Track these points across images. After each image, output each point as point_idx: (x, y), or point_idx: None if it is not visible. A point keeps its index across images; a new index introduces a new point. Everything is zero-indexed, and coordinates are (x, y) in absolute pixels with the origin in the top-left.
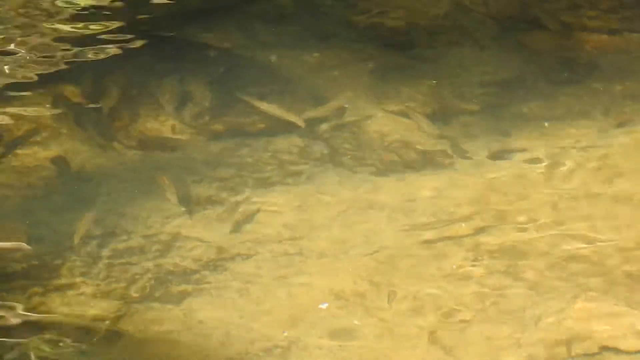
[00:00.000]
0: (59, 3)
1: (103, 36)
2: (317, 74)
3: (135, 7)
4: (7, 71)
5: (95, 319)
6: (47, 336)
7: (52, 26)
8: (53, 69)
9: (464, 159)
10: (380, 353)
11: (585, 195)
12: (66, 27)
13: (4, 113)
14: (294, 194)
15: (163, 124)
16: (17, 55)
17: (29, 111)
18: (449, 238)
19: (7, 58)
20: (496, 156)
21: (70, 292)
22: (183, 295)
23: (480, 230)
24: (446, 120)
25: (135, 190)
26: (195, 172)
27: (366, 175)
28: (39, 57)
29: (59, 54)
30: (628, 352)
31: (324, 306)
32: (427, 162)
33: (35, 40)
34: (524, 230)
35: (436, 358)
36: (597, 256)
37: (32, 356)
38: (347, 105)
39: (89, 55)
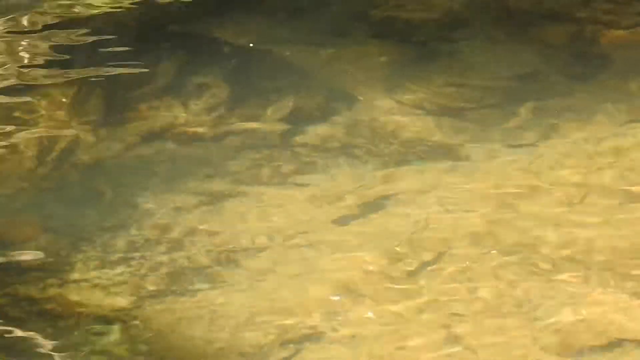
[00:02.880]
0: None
1: (118, 30)
2: (331, 68)
3: (150, 3)
4: (25, 61)
5: (110, 311)
6: (62, 328)
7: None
8: (65, 61)
9: (478, 152)
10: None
11: (599, 190)
12: (83, 20)
13: (17, 105)
14: (308, 187)
15: (177, 117)
16: (33, 46)
17: (42, 103)
18: (464, 231)
19: (24, 49)
20: (510, 150)
21: (85, 285)
22: (196, 288)
23: (493, 223)
24: (461, 114)
25: (148, 182)
26: (209, 165)
27: (381, 168)
28: (53, 48)
29: (73, 46)
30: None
31: (336, 299)
32: (441, 155)
33: (51, 30)
34: (537, 223)
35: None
36: (612, 252)
37: (48, 347)
38: (361, 98)
39: (103, 48)
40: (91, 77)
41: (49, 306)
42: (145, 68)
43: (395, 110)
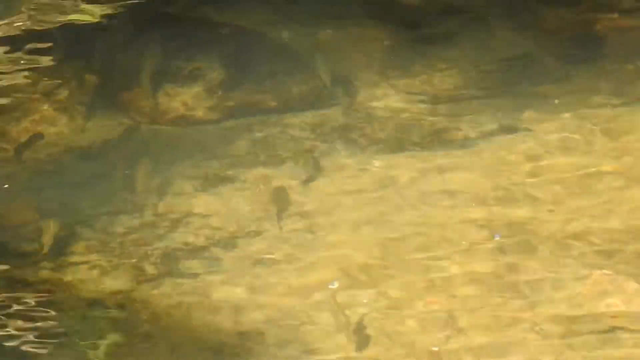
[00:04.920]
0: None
1: (118, 14)
2: (329, 52)
3: None
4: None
5: (107, 294)
6: (59, 311)
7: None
8: (64, 47)
9: (475, 136)
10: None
11: (596, 172)
12: (82, 6)
13: (16, 88)
14: (305, 171)
15: (175, 100)
16: (32, 31)
17: (40, 87)
18: (461, 214)
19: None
20: (508, 134)
21: (82, 268)
22: (195, 272)
23: (492, 207)
24: (457, 98)
25: (145, 166)
26: (206, 149)
27: (378, 153)
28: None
29: (73, 31)
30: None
31: (333, 285)
32: (439, 139)
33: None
34: (534, 206)
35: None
36: (607, 233)
37: (44, 330)
38: (358, 82)
39: (102, 33)
40: (87, 61)
41: (45, 289)
42: (141, 52)
43: (392, 94)
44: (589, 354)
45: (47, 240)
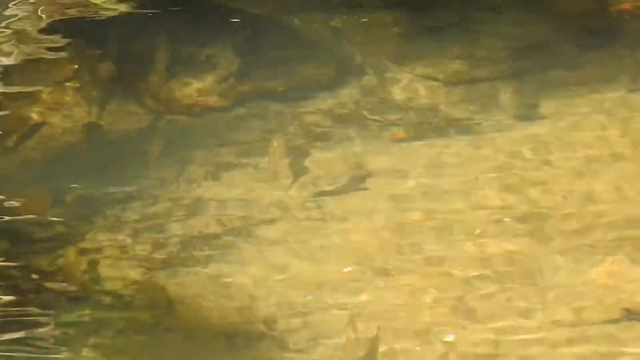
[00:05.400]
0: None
1: (131, 2)
2: (342, 39)
3: None
4: (37, 35)
5: (121, 282)
6: (73, 299)
7: None
8: (79, 35)
9: (489, 123)
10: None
11: (610, 159)
12: None
13: (31, 76)
14: (318, 158)
15: (189, 88)
16: (47, 20)
17: (56, 76)
18: (475, 200)
19: (38, 23)
20: (522, 121)
21: (96, 257)
22: (208, 259)
23: (506, 195)
24: (471, 85)
25: (160, 153)
26: (219, 136)
27: (392, 139)
28: (66, 23)
29: (86, 20)
30: None
31: (347, 270)
32: (453, 126)
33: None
34: (548, 194)
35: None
36: (621, 220)
37: (59, 318)
38: (371, 69)
39: (117, 22)
40: (100, 49)
41: (60, 278)
42: (154, 40)
43: (406, 81)
44: (602, 341)
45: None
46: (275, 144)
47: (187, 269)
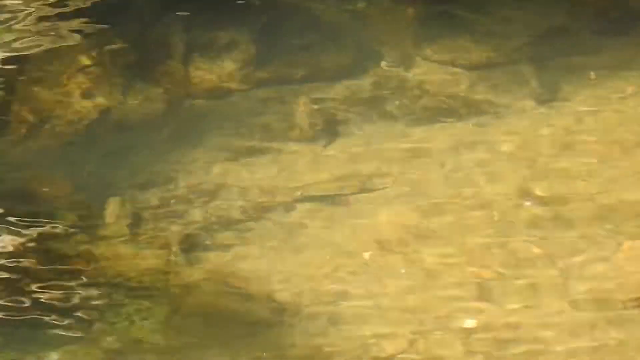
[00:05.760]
0: None
1: None
2: (361, 24)
3: None
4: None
5: (140, 267)
6: (92, 285)
7: None
8: (99, 20)
9: (508, 109)
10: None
11: (631, 144)
12: None
13: (51, 62)
14: (338, 143)
15: (208, 73)
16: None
17: (76, 61)
18: (495, 185)
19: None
20: (541, 106)
21: (116, 242)
22: (229, 244)
23: (526, 179)
24: (489, 70)
25: (178, 139)
26: (239, 121)
27: (411, 125)
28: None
29: (107, 5)
30: None
31: (367, 255)
32: (472, 111)
33: None
34: (568, 178)
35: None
36: None
37: (78, 303)
38: (390, 54)
39: (136, 6)
40: (119, 35)
41: (79, 263)
42: (173, 25)
43: (424, 66)
44: (624, 326)
45: (110, 216)
46: (301, 104)
47: (207, 254)
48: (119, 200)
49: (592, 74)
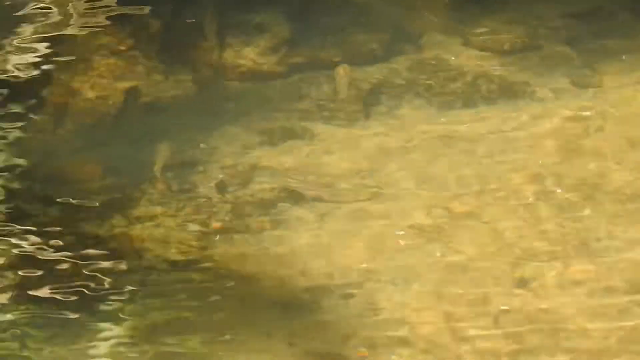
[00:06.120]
0: None
1: None
2: (396, 6)
3: None
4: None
5: (174, 249)
6: (126, 266)
7: None
8: (131, 1)
9: (543, 92)
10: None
11: None
12: None
13: (82, 42)
14: (371, 126)
15: (241, 55)
16: None
17: (102, 45)
18: (528, 168)
19: None
20: (575, 90)
21: (149, 224)
22: (262, 226)
23: (560, 163)
24: (524, 52)
25: (212, 121)
26: (273, 103)
27: (446, 108)
28: None
29: None
30: None
31: (400, 239)
32: (507, 94)
33: None
34: (601, 161)
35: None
36: None
37: (112, 285)
38: (425, 37)
39: None
40: (153, 17)
41: (113, 245)
42: (206, 7)
43: (458, 48)
44: None
45: (158, 165)
46: (341, 71)
47: (241, 236)
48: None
49: (624, 57)
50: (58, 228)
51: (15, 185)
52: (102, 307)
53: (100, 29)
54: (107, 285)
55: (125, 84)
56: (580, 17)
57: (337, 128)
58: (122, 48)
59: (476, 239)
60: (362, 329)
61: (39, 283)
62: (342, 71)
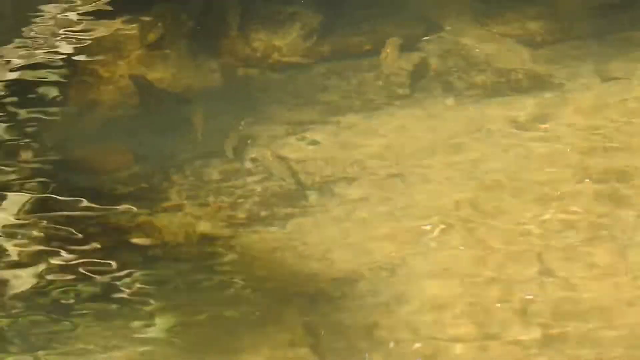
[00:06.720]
0: None
1: None
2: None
3: None
4: None
5: (201, 240)
6: (152, 257)
7: None
8: None
9: (572, 84)
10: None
11: None
12: None
13: (112, 33)
14: (399, 117)
15: (269, 46)
16: None
17: (132, 33)
18: (556, 161)
19: None
20: (603, 82)
21: (177, 214)
22: (288, 217)
23: (587, 155)
24: (552, 44)
25: (239, 111)
26: (300, 94)
27: (473, 98)
28: None
29: None
30: None
31: (427, 229)
32: (534, 86)
33: None
34: (629, 153)
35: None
36: None
37: (137, 276)
38: (452, 28)
39: None
40: (183, 6)
41: (139, 235)
42: None
43: (488, 40)
44: None
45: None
46: (388, 48)
47: (267, 227)
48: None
49: None
50: (86, 218)
51: (44, 175)
52: (122, 297)
53: (129, 20)
54: (129, 276)
55: (154, 74)
56: (607, 9)
57: (365, 119)
58: (152, 38)
59: (503, 231)
60: (388, 319)
61: (64, 271)
62: (389, 48)
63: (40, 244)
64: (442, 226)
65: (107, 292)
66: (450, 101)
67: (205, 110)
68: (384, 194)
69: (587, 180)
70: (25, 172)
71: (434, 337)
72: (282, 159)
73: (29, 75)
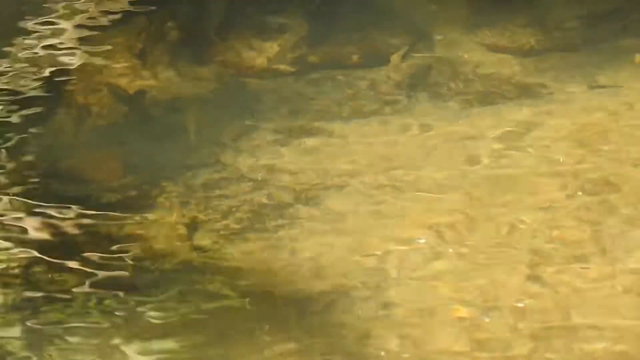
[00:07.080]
0: None
1: None
2: (414, 7)
3: None
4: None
5: (191, 249)
6: (142, 267)
7: None
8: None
9: (560, 93)
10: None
11: None
12: None
13: (102, 42)
14: (390, 125)
15: (260, 55)
16: None
17: (120, 42)
18: (545, 170)
19: None
20: (591, 91)
21: (166, 223)
22: (278, 227)
23: (577, 164)
24: (541, 54)
25: (229, 120)
26: (290, 103)
27: (462, 107)
28: None
29: None
30: None
31: (418, 239)
32: (524, 95)
33: None
34: (618, 162)
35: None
36: None
37: (127, 286)
38: (442, 37)
39: None
40: (171, 16)
41: (129, 245)
42: (226, 5)
43: (476, 49)
44: None
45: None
46: (395, 57)
47: (257, 236)
48: None
49: (638, 56)
50: (75, 227)
51: (33, 183)
52: (111, 306)
53: (118, 29)
54: (118, 285)
55: (144, 83)
56: (596, 18)
57: (355, 127)
58: (141, 47)
59: (492, 238)
60: (379, 329)
61: (51, 280)
62: (395, 57)
63: (27, 252)
64: (433, 236)
65: (95, 302)
66: (440, 111)
67: (195, 119)
68: (374, 204)
69: (577, 189)
70: (13, 179)
71: (424, 348)
72: (271, 168)
73: (18, 84)
